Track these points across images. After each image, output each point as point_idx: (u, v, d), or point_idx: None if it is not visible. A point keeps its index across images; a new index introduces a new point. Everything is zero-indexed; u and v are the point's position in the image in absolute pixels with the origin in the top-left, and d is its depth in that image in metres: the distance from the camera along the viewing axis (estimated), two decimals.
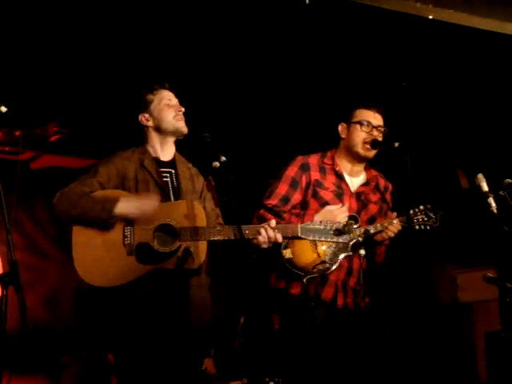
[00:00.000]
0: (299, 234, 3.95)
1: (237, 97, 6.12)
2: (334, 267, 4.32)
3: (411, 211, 4.38)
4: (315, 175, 4.51)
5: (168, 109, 4.09)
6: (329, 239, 3.95)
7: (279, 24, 5.30)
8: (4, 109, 3.46)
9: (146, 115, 4.11)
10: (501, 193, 4.16)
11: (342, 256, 4.33)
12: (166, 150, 4.12)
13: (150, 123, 4.10)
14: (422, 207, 4.39)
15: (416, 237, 4.47)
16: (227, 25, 5.31)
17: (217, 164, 3.79)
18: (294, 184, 4.49)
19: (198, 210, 3.94)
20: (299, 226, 3.96)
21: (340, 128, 4.61)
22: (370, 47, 5.62)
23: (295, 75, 5.92)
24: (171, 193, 4.02)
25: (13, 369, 3.43)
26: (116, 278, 3.83)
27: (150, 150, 4.10)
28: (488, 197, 4.17)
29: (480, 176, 4.24)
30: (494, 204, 4.15)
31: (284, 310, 4.49)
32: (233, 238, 3.86)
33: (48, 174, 7.00)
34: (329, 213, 4.31)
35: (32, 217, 7.04)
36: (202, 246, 3.88)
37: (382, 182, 4.67)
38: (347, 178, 4.56)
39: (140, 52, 5.50)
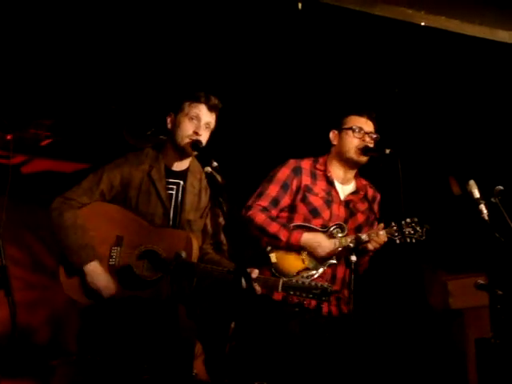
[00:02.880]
0: (279, 290, 3.88)
1: (229, 102, 6.11)
2: (316, 275, 4.32)
3: (399, 223, 4.36)
4: (306, 180, 4.51)
5: (188, 123, 3.92)
6: (310, 296, 3.87)
7: (271, 30, 5.30)
8: None
9: (172, 118, 3.98)
10: (492, 199, 4.17)
11: (325, 264, 4.35)
12: (179, 160, 4.00)
13: (169, 127, 3.99)
14: (408, 220, 4.35)
15: (407, 243, 4.47)
16: (220, 30, 5.31)
17: (208, 169, 3.77)
18: (284, 187, 4.48)
19: (192, 246, 3.82)
20: (281, 280, 3.90)
21: (331, 135, 4.62)
22: (362, 54, 5.63)
23: (287, 81, 5.92)
24: (172, 207, 3.93)
25: (2, 372, 3.42)
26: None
27: (165, 156, 3.98)
28: (479, 203, 4.18)
29: (471, 182, 4.25)
30: (485, 211, 4.16)
31: (267, 315, 4.47)
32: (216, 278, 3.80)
33: (40, 178, 6.97)
34: (314, 238, 4.32)
35: (24, 220, 6.99)
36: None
37: (371, 192, 4.67)
38: (338, 185, 4.56)
39: (134, 55, 5.50)
